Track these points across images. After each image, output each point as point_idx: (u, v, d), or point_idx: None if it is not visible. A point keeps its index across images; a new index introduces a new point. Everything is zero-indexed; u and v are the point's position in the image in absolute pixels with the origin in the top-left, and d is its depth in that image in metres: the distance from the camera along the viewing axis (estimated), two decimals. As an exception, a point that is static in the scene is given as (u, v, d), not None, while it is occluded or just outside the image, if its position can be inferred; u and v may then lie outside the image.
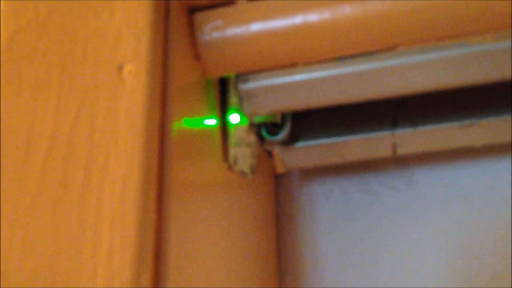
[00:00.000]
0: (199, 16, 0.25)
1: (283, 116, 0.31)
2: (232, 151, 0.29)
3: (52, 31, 0.22)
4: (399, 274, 0.35)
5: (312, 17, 0.25)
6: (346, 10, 0.24)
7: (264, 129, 0.32)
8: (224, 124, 0.29)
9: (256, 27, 0.25)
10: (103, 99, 0.21)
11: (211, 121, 0.28)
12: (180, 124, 0.24)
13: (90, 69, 0.22)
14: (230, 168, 0.29)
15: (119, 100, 0.21)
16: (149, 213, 0.20)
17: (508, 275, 0.33)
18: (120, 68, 0.22)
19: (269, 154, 0.35)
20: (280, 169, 0.35)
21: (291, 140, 0.33)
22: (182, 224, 0.23)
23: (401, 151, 0.32)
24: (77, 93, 0.22)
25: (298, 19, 0.25)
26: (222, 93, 0.28)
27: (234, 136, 0.29)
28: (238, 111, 0.29)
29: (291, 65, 0.25)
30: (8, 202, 0.20)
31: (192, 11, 0.25)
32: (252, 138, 0.31)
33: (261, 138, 0.33)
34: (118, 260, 0.19)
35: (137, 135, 0.21)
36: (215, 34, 0.25)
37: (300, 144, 0.33)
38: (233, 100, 0.28)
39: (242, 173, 0.30)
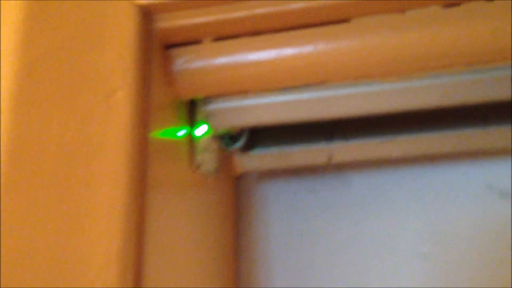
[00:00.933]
0: (173, 52, 0.32)
1: (241, 129, 0.39)
2: (198, 157, 0.36)
3: (60, 62, 0.29)
4: (333, 255, 0.43)
5: (262, 55, 0.32)
6: (288, 52, 0.32)
7: (226, 139, 0.39)
8: (191, 136, 0.36)
9: (217, 61, 0.32)
10: (98, 117, 0.28)
11: (181, 133, 0.35)
12: (157, 136, 0.31)
13: (88, 93, 0.29)
14: (195, 171, 0.36)
15: (111, 118, 0.28)
16: (133, 206, 0.27)
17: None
18: (113, 93, 0.28)
19: (230, 159, 0.42)
20: (238, 172, 0.42)
21: (248, 148, 0.40)
22: (159, 215, 0.30)
23: (335, 160, 0.39)
24: (77, 112, 0.28)
25: (251, 57, 0.32)
26: (191, 111, 0.36)
27: (199, 145, 0.36)
28: (206, 123, 0.36)
29: (245, 92, 0.33)
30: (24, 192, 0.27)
31: (167, 47, 0.32)
32: (215, 146, 0.39)
33: (224, 146, 0.40)
34: (109, 242, 0.26)
35: (124, 143, 0.28)
36: (185, 66, 0.32)
37: (255, 152, 0.41)
38: (200, 116, 0.35)
39: (207, 173, 0.38)
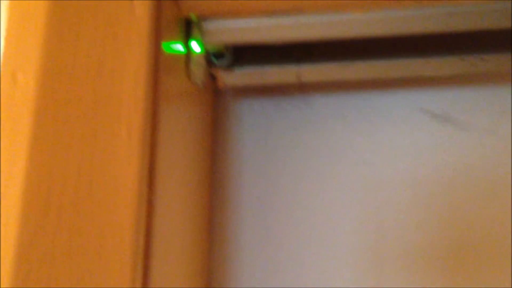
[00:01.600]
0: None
1: (227, 48, 0.46)
2: (192, 68, 0.43)
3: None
4: (296, 164, 0.52)
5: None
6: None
7: (213, 56, 0.46)
8: (190, 51, 0.43)
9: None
10: (123, 23, 0.35)
11: (181, 48, 0.42)
12: (167, 48, 0.38)
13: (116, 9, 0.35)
14: (190, 80, 0.44)
15: (134, 26, 0.35)
16: (150, 110, 0.34)
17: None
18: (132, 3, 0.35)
19: (214, 75, 0.50)
20: (221, 86, 0.50)
21: (230, 66, 0.48)
22: (169, 123, 0.37)
23: (303, 79, 0.48)
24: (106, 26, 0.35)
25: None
26: (188, 29, 0.42)
27: (194, 59, 0.43)
28: (199, 41, 0.43)
29: (232, 14, 0.40)
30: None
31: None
32: (204, 62, 0.46)
33: (210, 62, 0.47)
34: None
35: (144, 60, 0.35)
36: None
37: (236, 69, 0.48)
38: (195, 34, 0.42)
39: (196, 83, 0.45)
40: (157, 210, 0.33)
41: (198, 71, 0.45)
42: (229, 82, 0.49)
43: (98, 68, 0.33)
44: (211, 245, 0.51)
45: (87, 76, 0.33)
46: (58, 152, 0.31)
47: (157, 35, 0.36)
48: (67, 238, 0.29)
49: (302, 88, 0.52)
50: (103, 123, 0.32)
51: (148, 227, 0.31)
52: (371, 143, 0.51)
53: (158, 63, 0.36)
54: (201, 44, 0.43)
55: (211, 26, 0.42)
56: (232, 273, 0.51)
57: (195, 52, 0.43)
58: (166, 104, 0.37)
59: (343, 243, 0.50)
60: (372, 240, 0.50)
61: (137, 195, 0.30)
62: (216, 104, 0.54)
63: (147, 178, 0.32)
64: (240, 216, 0.52)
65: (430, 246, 0.49)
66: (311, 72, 0.48)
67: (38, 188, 0.30)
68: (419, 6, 0.39)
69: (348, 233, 0.50)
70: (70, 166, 0.30)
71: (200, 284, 0.47)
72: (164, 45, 0.37)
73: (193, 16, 0.42)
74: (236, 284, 0.51)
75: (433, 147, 0.50)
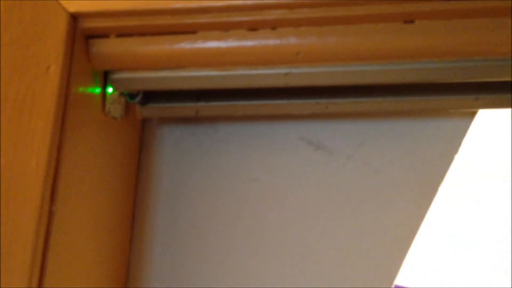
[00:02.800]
0: (91, 41, 0.53)
1: (137, 90, 0.60)
2: (108, 106, 0.57)
3: (16, 48, 0.48)
4: (206, 178, 0.65)
5: (145, 48, 0.53)
6: (164, 47, 0.52)
7: (128, 95, 0.60)
8: (104, 93, 0.57)
9: (117, 49, 0.52)
10: (40, 81, 0.48)
11: (96, 90, 0.55)
12: (78, 91, 0.52)
13: (35, 66, 0.49)
14: (106, 114, 0.57)
15: (48, 82, 0.48)
16: (57, 135, 0.48)
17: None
18: (49, 67, 0.49)
19: (133, 109, 0.63)
20: (139, 118, 0.64)
21: (145, 102, 0.62)
22: (75, 146, 0.51)
23: (201, 114, 0.61)
24: (28, 77, 0.48)
25: (137, 48, 0.52)
26: (105, 78, 0.56)
27: (109, 98, 0.57)
28: (112, 86, 0.57)
29: (134, 69, 0.54)
30: None
31: (87, 38, 0.53)
32: (122, 99, 0.59)
33: (127, 100, 0.61)
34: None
35: (55, 96, 0.48)
36: (98, 50, 0.53)
37: (149, 105, 0.62)
38: (109, 81, 0.56)
39: (115, 117, 0.59)
40: (57, 222, 0.47)
41: (115, 108, 0.58)
42: (144, 115, 0.63)
43: (16, 105, 0.47)
44: (130, 252, 0.65)
45: (11, 115, 0.47)
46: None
47: (68, 83, 0.50)
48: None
49: (207, 118, 0.66)
50: (19, 153, 0.45)
51: (46, 233, 0.45)
52: (261, 163, 0.64)
53: (67, 103, 0.49)
54: (113, 88, 0.57)
55: (120, 76, 0.56)
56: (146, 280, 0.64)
57: (109, 93, 0.57)
58: (74, 135, 0.50)
59: (241, 245, 0.63)
60: (265, 240, 0.63)
61: (39, 208, 0.44)
62: (144, 130, 0.68)
63: (49, 195, 0.46)
64: (156, 224, 0.65)
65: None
66: (207, 108, 0.61)
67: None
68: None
69: (240, 236, 0.63)
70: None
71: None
72: (76, 90, 0.51)
73: (106, 69, 0.56)
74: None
75: (308, 168, 0.63)
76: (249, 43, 0.51)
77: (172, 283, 0.63)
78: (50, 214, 0.46)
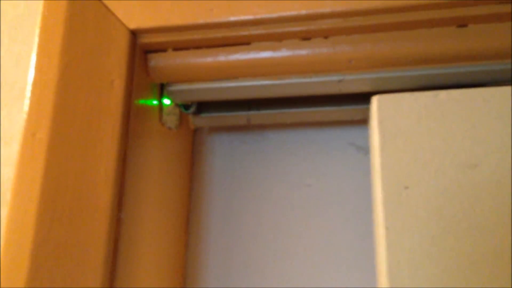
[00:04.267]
0: (149, 56, 0.55)
1: (191, 101, 0.62)
2: (164, 117, 0.59)
3: (86, 62, 0.51)
4: (257, 184, 0.67)
5: (200, 60, 0.55)
6: (220, 58, 0.54)
7: (183, 106, 0.62)
8: (161, 104, 0.59)
9: (174, 62, 0.55)
10: (105, 93, 0.51)
11: (154, 102, 0.58)
12: (139, 103, 0.54)
13: (100, 80, 0.51)
14: (163, 125, 0.59)
15: (112, 94, 0.51)
16: (123, 145, 0.50)
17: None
18: (113, 81, 0.51)
19: (187, 119, 0.65)
20: (192, 128, 0.66)
21: (198, 112, 0.64)
22: (137, 156, 0.54)
23: (252, 122, 0.63)
24: (95, 89, 0.51)
25: (193, 60, 0.55)
26: (161, 90, 0.59)
27: (166, 110, 0.59)
28: (169, 98, 0.59)
29: (190, 80, 0.56)
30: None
31: (146, 52, 0.55)
32: (177, 110, 0.62)
33: (182, 110, 0.63)
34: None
35: (119, 108, 0.51)
36: (156, 64, 0.55)
37: (203, 114, 0.64)
38: (166, 93, 0.58)
39: (170, 128, 0.61)
40: (124, 228, 0.49)
41: (171, 118, 0.60)
42: (197, 124, 0.65)
43: (84, 116, 0.50)
44: (186, 257, 0.67)
45: (80, 127, 0.50)
46: (60, 182, 0.47)
47: (130, 96, 0.52)
48: (59, 243, 0.45)
49: (257, 127, 0.68)
50: (89, 163, 0.48)
51: (116, 239, 0.47)
52: (312, 169, 0.66)
53: (130, 115, 0.52)
54: (170, 99, 0.59)
55: (176, 88, 0.58)
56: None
57: (165, 104, 0.59)
58: (136, 145, 0.53)
59: (293, 248, 0.64)
60: (316, 244, 0.64)
61: (109, 215, 0.47)
62: (195, 140, 0.70)
63: (117, 203, 0.48)
64: (210, 230, 0.67)
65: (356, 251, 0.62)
66: (258, 117, 0.63)
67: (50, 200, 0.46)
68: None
69: (295, 239, 0.64)
70: (66, 195, 0.47)
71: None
72: (136, 102, 0.53)
73: (163, 82, 0.58)
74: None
75: (358, 172, 0.64)
76: (302, 52, 0.52)
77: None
78: (119, 221, 0.48)
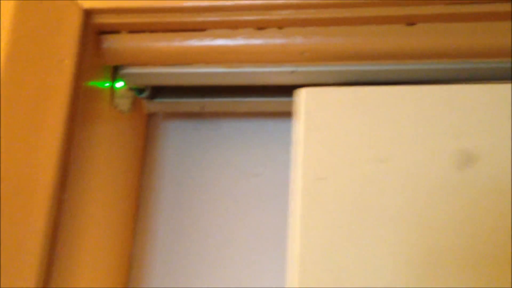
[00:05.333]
0: (103, 37, 0.54)
1: (146, 85, 0.61)
2: (116, 100, 0.59)
3: (35, 40, 0.50)
4: (207, 171, 0.67)
5: (153, 44, 0.54)
6: (173, 43, 0.54)
7: (137, 90, 0.62)
8: (113, 87, 0.58)
9: (127, 45, 0.54)
10: (55, 72, 0.50)
11: (106, 85, 0.57)
12: (89, 85, 0.53)
13: (50, 59, 0.50)
14: (114, 108, 0.59)
15: (61, 74, 0.50)
16: (70, 127, 0.49)
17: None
18: (63, 60, 0.50)
19: (141, 104, 0.65)
20: (145, 113, 0.65)
21: (152, 97, 0.63)
22: (86, 138, 0.53)
23: (206, 110, 0.63)
24: (44, 68, 0.50)
25: (144, 44, 0.54)
26: (114, 72, 0.58)
27: (118, 93, 0.59)
28: (122, 80, 0.58)
29: (143, 64, 0.55)
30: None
31: (99, 33, 0.54)
32: (130, 94, 0.61)
33: (136, 94, 0.62)
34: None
35: (68, 89, 0.50)
36: (109, 46, 0.54)
37: (156, 100, 0.64)
38: (118, 76, 0.58)
39: (122, 111, 0.60)
40: (67, 209, 0.48)
41: (123, 102, 0.60)
42: (151, 110, 0.65)
43: (31, 94, 0.49)
44: (132, 246, 0.66)
45: (27, 104, 0.49)
46: (2, 160, 0.46)
47: (80, 77, 0.51)
48: None
49: (210, 114, 0.68)
50: (33, 141, 0.47)
51: (56, 222, 0.47)
52: (263, 158, 0.66)
53: (79, 96, 0.51)
54: (123, 82, 0.58)
55: (129, 71, 0.57)
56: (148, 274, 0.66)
57: (117, 88, 0.58)
58: (84, 126, 0.52)
59: (238, 241, 0.65)
60: (262, 236, 0.65)
61: (50, 196, 0.46)
62: (149, 125, 0.70)
63: (60, 184, 0.47)
64: (160, 217, 0.67)
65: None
66: (212, 104, 0.63)
67: None
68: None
69: (241, 231, 0.65)
70: (7, 174, 0.46)
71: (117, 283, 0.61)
72: (87, 83, 0.53)
73: (116, 64, 0.57)
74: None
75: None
76: (256, 41, 0.52)
77: (173, 277, 0.65)
78: (60, 203, 0.47)
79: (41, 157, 0.46)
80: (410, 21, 0.49)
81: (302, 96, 0.50)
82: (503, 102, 0.47)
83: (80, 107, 0.51)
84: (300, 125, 0.49)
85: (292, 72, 0.53)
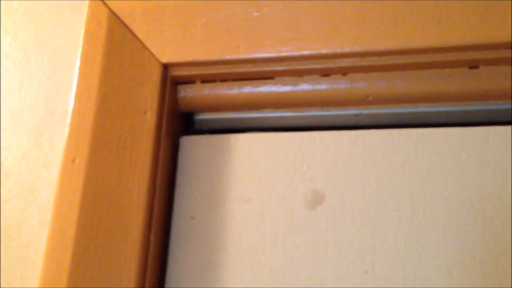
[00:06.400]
0: (179, 86, 0.59)
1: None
2: (191, 143, 0.63)
3: (119, 93, 0.55)
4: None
5: (225, 91, 0.59)
6: (246, 89, 0.58)
7: (208, 133, 0.66)
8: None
9: (202, 93, 0.59)
10: (139, 124, 0.55)
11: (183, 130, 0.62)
12: (170, 131, 0.58)
13: (135, 111, 0.55)
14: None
15: (145, 124, 0.55)
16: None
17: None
18: (146, 111, 0.55)
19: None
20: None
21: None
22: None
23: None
24: (129, 120, 0.55)
25: (219, 91, 0.59)
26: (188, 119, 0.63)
27: (192, 136, 0.64)
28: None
29: (219, 110, 0.60)
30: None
31: (176, 84, 0.59)
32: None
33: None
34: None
35: (151, 138, 0.55)
36: (184, 94, 0.59)
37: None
38: (194, 121, 0.63)
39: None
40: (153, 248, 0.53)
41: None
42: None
43: (119, 143, 0.54)
44: None
45: (116, 154, 0.54)
46: (96, 205, 0.52)
47: (161, 125, 0.56)
48: (94, 263, 0.49)
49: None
50: (123, 187, 0.52)
51: (145, 261, 0.51)
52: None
53: (159, 142, 0.56)
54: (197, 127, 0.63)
55: (202, 117, 0.62)
56: None
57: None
58: (165, 170, 0.57)
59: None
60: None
61: (141, 237, 0.51)
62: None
63: (148, 225, 0.52)
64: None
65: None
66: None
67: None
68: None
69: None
70: (101, 218, 0.51)
71: None
72: (167, 130, 0.58)
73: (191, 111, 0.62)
74: None
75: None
76: (321, 87, 0.56)
77: None
78: (148, 243, 0.52)
79: (131, 201, 0.51)
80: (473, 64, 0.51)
81: (181, 143, 0.60)
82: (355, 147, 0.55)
83: (161, 153, 0.56)
84: (177, 170, 0.59)
85: (357, 115, 0.56)
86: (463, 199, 0.50)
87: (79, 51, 0.57)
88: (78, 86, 0.56)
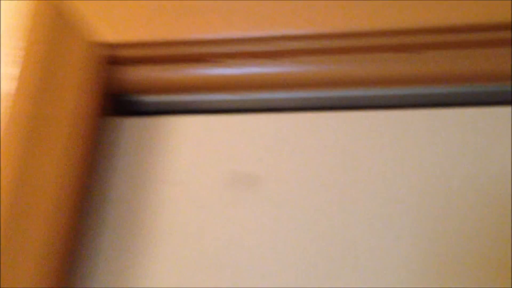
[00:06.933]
0: (110, 67, 0.57)
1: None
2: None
3: (47, 71, 0.53)
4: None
5: (169, 73, 0.57)
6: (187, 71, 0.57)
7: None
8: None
9: (135, 74, 0.57)
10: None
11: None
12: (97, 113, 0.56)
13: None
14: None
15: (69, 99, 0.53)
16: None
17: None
18: (69, 92, 0.53)
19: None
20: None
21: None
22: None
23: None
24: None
25: (154, 74, 0.57)
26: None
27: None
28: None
29: (152, 93, 0.58)
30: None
31: (110, 64, 0.57)
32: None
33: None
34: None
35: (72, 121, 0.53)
36: (116, 75, 0.57)
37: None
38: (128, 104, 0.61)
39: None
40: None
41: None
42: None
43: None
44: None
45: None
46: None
47: (87, 106, 0.54)
48: None
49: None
50: (38, 171, 0.50)
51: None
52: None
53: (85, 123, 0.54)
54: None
55: (134, 99, 0.60)
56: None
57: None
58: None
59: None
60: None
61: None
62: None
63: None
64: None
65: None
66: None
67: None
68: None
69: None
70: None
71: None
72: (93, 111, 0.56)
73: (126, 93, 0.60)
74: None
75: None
76: (251, 70, 0.55)
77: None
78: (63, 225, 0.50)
79: (47, 183, 0.50)
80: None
81: (109, 125, 0.59)
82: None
83: (85, 135, 0.54)
84: (104, 152, 0.58)
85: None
86: (403, 180, 0.50)
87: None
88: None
